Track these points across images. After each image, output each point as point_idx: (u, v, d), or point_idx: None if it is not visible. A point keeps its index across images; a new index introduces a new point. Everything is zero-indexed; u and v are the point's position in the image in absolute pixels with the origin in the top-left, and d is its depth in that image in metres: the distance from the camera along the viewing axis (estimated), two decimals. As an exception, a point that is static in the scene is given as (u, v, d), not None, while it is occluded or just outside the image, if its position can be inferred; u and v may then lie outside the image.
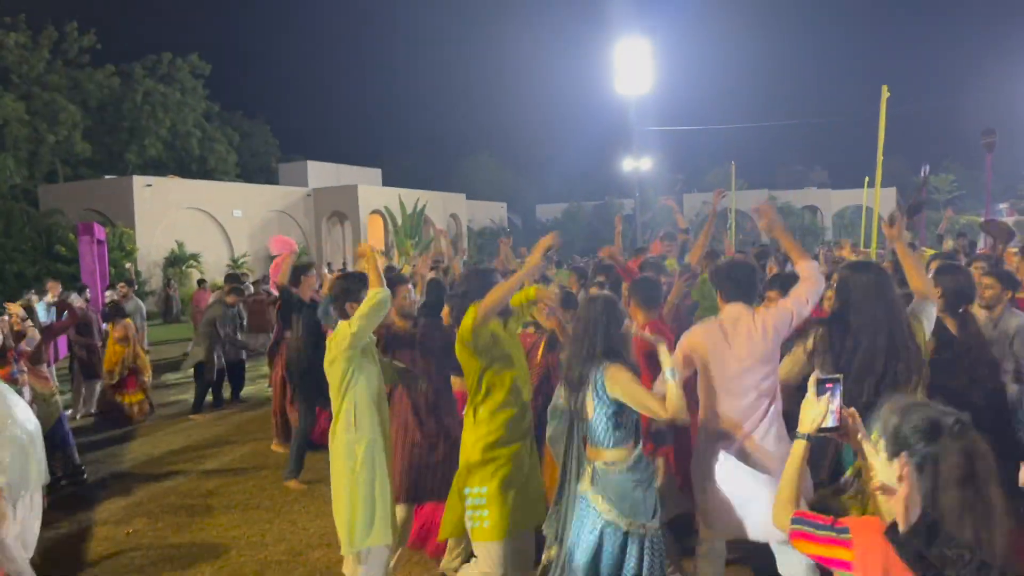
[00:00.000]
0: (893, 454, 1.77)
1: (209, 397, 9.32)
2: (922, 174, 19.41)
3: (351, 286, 3.87)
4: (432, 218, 34.74)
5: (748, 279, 3.38)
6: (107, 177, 30.01)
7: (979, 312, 4.02)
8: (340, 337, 3.69)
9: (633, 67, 26.71)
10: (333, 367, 3.73)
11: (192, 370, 9.38)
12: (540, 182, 55.44)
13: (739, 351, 3.23)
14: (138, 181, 25.99)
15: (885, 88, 11.37)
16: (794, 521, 1.90)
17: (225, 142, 39.88)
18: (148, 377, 9.10)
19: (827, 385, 1.98)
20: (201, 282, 16.50)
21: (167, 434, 8.23)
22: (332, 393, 3.77)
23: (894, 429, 1.79)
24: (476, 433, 3.56)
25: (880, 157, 12.46)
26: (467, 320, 3.51)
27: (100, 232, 14.62)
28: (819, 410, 1.97)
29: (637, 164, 33.10)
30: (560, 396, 3.61)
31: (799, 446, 2.03)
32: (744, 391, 3.22)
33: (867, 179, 29.35)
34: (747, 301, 3.35)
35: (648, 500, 3.08)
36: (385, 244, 30.82)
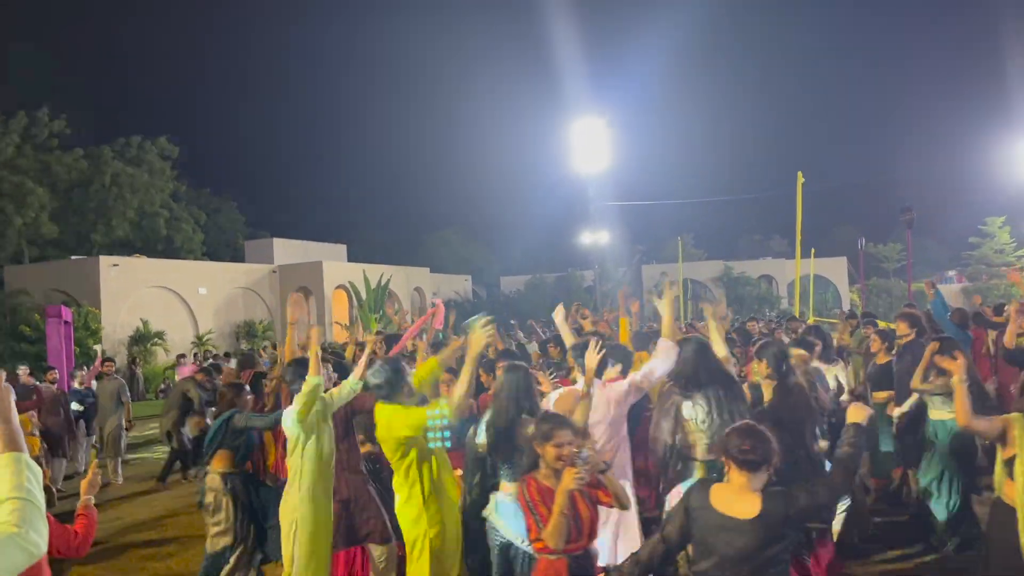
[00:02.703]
0: None
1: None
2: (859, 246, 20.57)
3: (297, 371, 4.63)
4: (396, 292, 35.47)
5: (626, 358, 4.19)
6: (74, 258, 30.41)
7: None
8: (290, 412, 4.45)
9: (590, 145, 28.08)
10: (289, 431, 4.47)
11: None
12: (504, 255, 56.74)
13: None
14: (104, 261, 26.41)
15: (800, 174, 12.58)
16: None
17: (191, 221, 40.55)
18: None
19: None
20: (180, 357, 17.04)
21: (133, 505, 8.71)
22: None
23: None
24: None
25: (799, 236, 13.58)
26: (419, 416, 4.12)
27: (67, 314, 15.10)
28: None
29: (595, 238, 34.32)
30: (481, 436, 4.33)
31: None
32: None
33: (813, 250, 30.73)
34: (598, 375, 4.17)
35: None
36: (349, 318, 31.39)
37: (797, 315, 13.19)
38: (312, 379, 4.38)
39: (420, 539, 4.01)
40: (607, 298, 42.23)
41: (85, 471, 4.94)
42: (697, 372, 4.22)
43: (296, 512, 4.42)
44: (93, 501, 3.43)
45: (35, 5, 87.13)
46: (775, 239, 75.28)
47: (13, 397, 2.00)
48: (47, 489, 8.26)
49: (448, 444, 4.28)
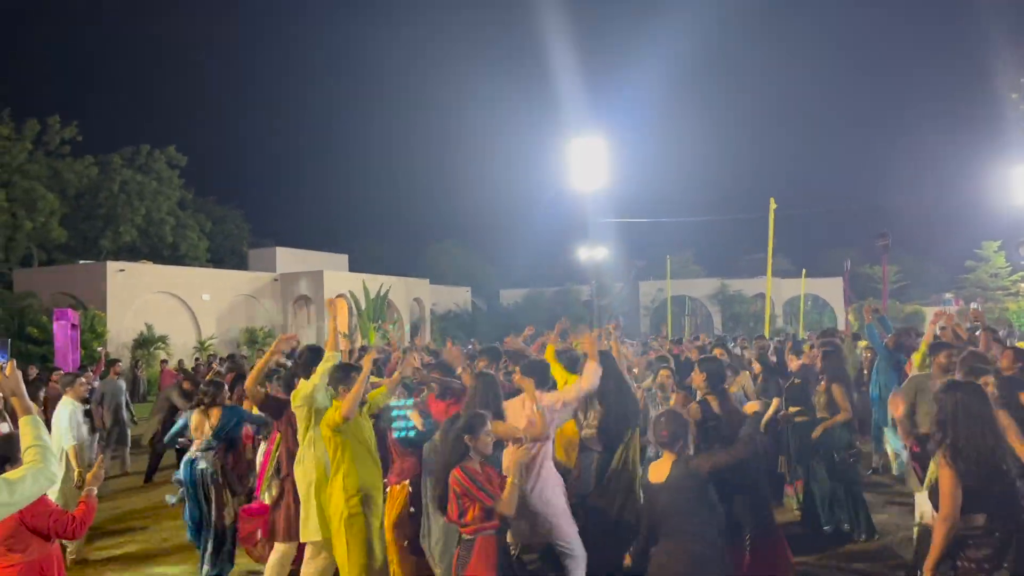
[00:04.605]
0: None
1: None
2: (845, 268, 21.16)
3: (312, 357, 5.33)
4: (395, 302, 36.13)
5: (543, 373, 4.89)
6: (81, 262, 31.14)
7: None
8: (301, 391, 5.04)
9: (588, 163, 28.77)
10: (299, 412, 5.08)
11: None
12: (504, 268, 57.33)
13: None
14: (111, 266, 27.08)
15: (772, 200, 13.21)
16: None
17: (197, 229, 41.34)
18: None
19: None
20: (163, 362, 17.72)
21: (129, 496, 9.35)
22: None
23: None
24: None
25: (770, 260, 14.19)
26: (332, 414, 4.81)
27: (74, 317, 15.76)
28: None
29: (592, 254, 34.93)
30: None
31: None
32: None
33: (804, 271, 31.23)
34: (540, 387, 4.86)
35: None
36: (348, 327, 32.00)
37: (767, 335, 13.73)
38: (330, 355, 4.99)
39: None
40: (605, 312, 42.87)
41: (90, 467, 5.62)
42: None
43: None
44: (95, 491, 3.97)
45: (49, 16, 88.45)
46: (777, 258, 75.76)
47: (20, 375, 2.71)
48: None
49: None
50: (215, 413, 6.04)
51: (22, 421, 2.66)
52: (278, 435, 6.14)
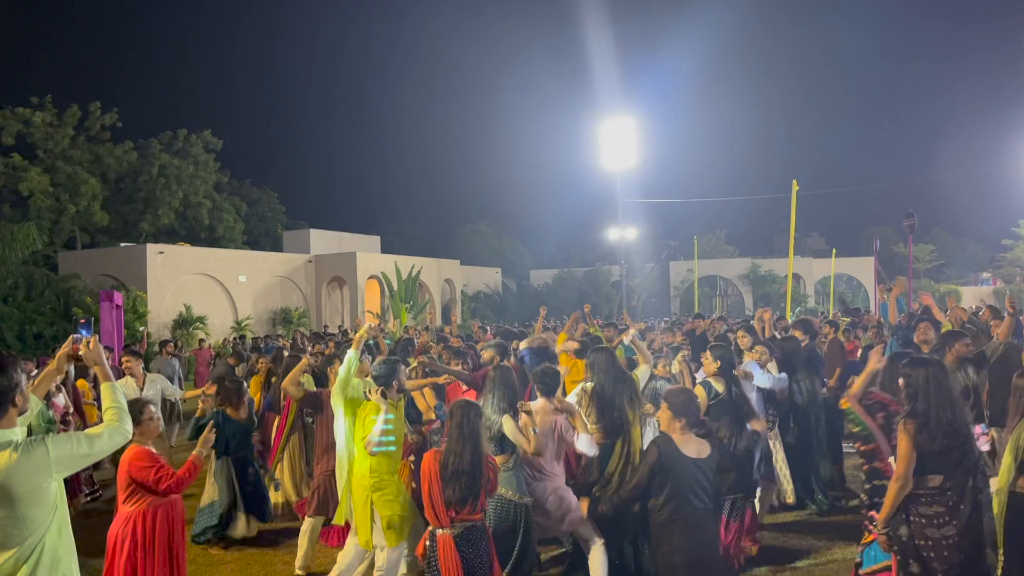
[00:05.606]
0: None
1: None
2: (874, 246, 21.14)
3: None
4: (427, 283, 36.65)
5: (554, 380, 5.17)
6: (123, 244, 32.07)
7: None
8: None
9: (618, 143, 28.83)
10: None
11: None
12: (535, 248, 57.64)
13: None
14: (151, 248, 27.85)
15: (795, 183, 13.31)
16: None
17: (233, 212, 42.20)
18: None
19: None
20: (201, 342, 18.47)
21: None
22: None
23: None
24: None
25: (792, 241, 14.28)
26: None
27: (119, 298, 16.36)
28: None
29: (622, 234, 35.04)
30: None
31: None
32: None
33: (834, 251, 31.02)
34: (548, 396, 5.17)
35: (521, 485, 4.86)
36: (381, 308, 32.63)
37: (788, 315, 13.92)
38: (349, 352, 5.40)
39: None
40: (633, 293, 43.00)
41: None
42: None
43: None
44: (204, 454, 4.57)
45: (90, 7, 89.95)
46: (812, 236, 74.97)
47: (102, 348, 3.11)
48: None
49: (392, 448, 5.04)
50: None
51: (103, 387, 3.09)
52: (290, 412, 6.83)
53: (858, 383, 4.41)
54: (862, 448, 4.40)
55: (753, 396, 6.06)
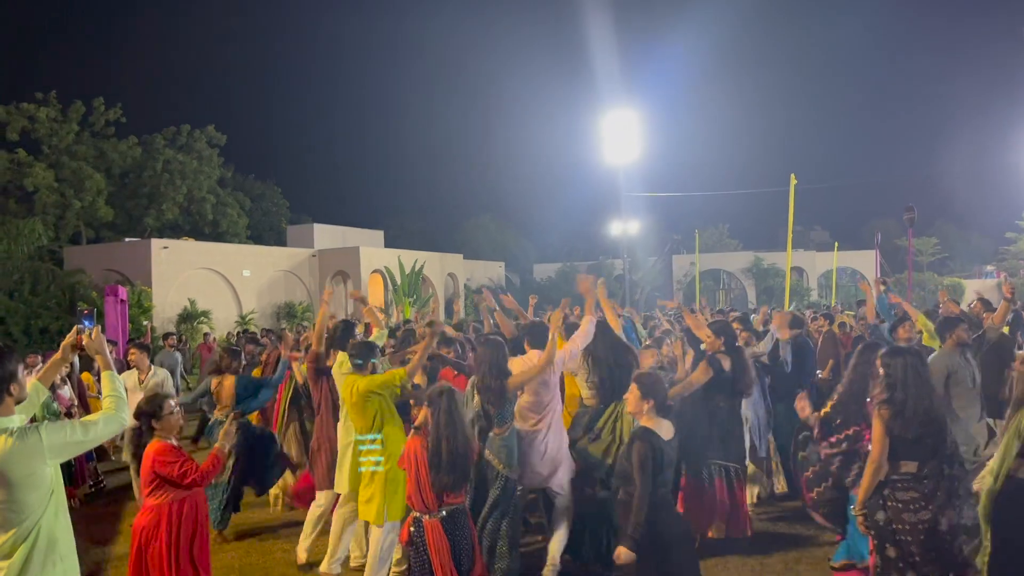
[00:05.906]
0: None
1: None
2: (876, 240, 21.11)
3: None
4: (430, 277, 36.77)
5: (542, 334, 5.31)
6: (127, 239, 32.26)
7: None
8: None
9: (621, 137, 28.84)
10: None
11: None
12: (539, 242, 57.58)
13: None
14: (156, 243, 28.03)
15: (793, 176, 13.34)
16: None
17: (237, 206, 42.34)
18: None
19: None
20: (206, 336, 18.59)
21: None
22: None
23: None
24: None
25: (790, 235, 14.32)
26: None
27: (123, 293, 16.53)
28: None
29: (625, 228, 35.05)
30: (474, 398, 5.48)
31: None
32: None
33: (836, 244, 30.97)
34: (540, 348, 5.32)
35: (512, 455, 5.01)
36: (384, 302, 32.77)
37: (787, 307, 13.98)
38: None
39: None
40: (637, 287, 43.04)
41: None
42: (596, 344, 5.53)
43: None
44: (227, 448, 4.58)
45: (93, 2, 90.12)
46: (816, 230, 74.84)
47: (104, 339, 3.22)
48: (103, 450, 9.68)
49: (380, 468, 5.03)
50: (229, 381, 6.61)
51: (104, 376, 3.20)
52: (288, 380, 7.08)
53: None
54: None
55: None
